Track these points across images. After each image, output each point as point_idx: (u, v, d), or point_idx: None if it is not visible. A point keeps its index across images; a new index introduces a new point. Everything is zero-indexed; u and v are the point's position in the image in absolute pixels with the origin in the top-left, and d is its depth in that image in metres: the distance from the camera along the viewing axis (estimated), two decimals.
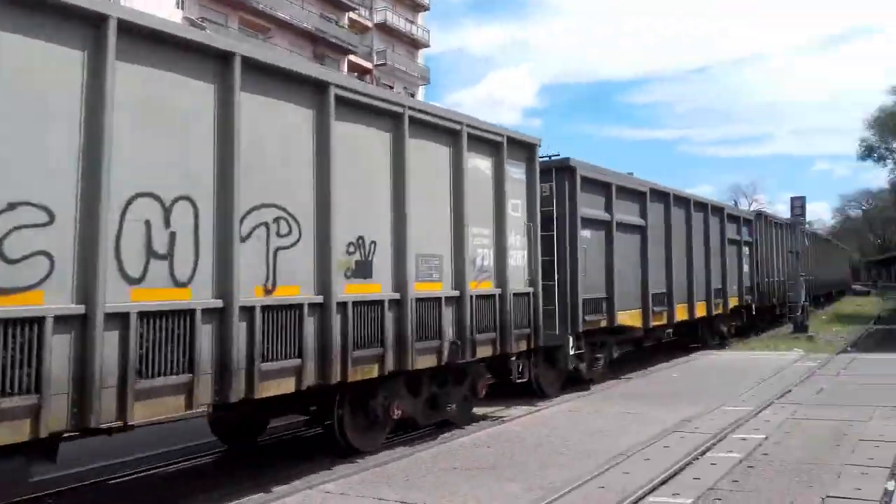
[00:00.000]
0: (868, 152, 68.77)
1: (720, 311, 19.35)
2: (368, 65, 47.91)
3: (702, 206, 18.68)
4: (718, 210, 19.92)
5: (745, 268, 21.85)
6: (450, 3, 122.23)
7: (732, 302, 20.29)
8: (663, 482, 6.64)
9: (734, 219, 21.46)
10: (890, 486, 6.23)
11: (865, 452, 7.45)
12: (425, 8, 54.44)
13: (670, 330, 16.28)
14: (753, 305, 22.12)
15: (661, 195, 16.02)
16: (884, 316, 35.38)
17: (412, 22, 52.75)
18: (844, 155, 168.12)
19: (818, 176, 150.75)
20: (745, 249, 22.03)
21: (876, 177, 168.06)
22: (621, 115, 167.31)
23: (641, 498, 6.19)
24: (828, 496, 6.07)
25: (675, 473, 6.93)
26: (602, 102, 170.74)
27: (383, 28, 49.78)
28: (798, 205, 26.29)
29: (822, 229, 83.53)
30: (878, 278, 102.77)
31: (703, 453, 7.69)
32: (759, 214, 24.84)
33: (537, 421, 9.95)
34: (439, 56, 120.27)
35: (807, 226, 32.54)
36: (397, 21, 50.74)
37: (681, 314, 16.32)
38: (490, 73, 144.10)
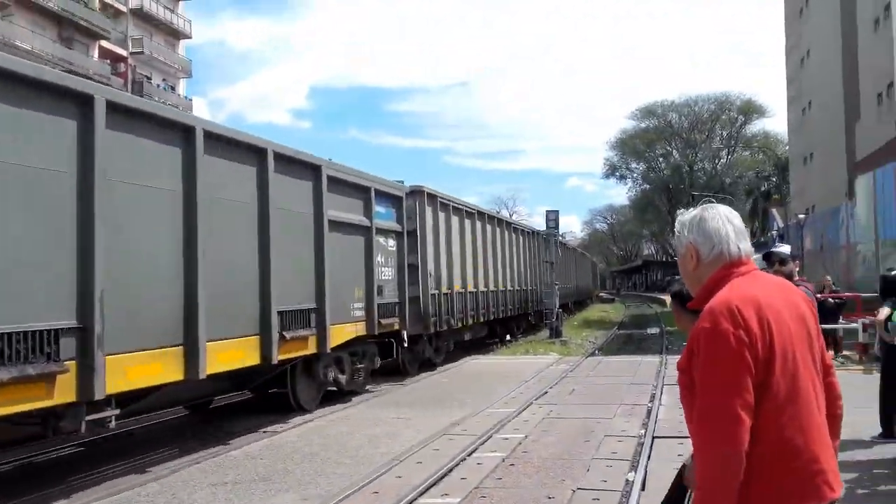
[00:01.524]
0: (611, 171, 76.67)
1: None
2: (123, 52, 44.45)
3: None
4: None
5: (387, 272, 13.74)
6: None
7: (335, 334, 11.43)
8: (434, 484, 6.89)
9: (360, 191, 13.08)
10: (630, 476, 6.94)
11: (610, 447, 8.24)
12: None
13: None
14: (404, 333, 14.16)
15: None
16: (626, 321, 39.46)
17: (172, 10, 49.60)
18: (591, 172, 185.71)
19: (571, 191, 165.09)
20: (390, 242, 13.97)
21: (619, 193, 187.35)
22: (389, 122, 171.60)
23: (413, 500, 6.38)
24: (578, 488, 6.64)
25: (445, 475, 7.22)
26: (370, 109, 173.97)
27: (140, 14, 46.26)
28: (552, 218, 28.40)
29: (574, 241, 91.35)
30: (622, 286, 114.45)
31: (470, 454, 8.07)
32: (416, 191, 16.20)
33: (313, 430, 9.89)
34: (199, 48, 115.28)
35: (560, 237, 35.34)
36: (155, 8, 47.40)
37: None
38: (257, 71, 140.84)
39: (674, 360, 13.65)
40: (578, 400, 11.66)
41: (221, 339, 8.64)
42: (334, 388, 12.14)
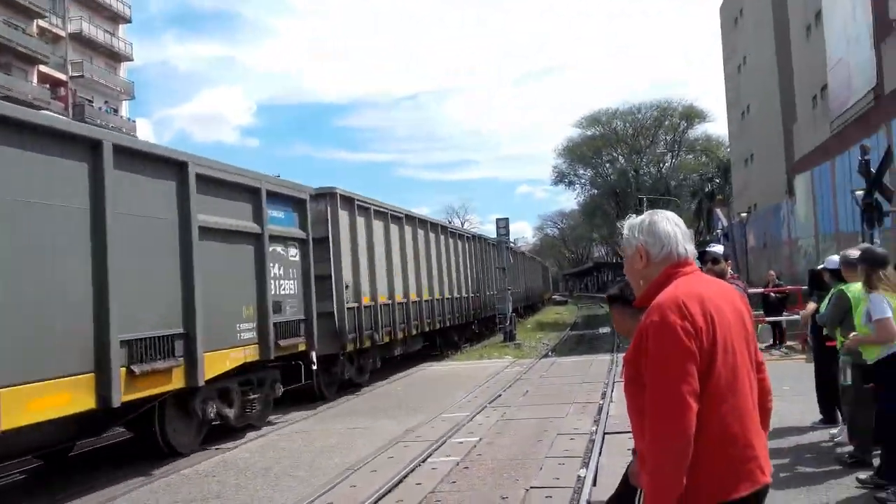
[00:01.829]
0: (560, 178, 77.66)
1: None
2: (63, 77, 43.61)
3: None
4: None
5: (289, 285, 11.68)
6: (151, 14, 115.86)
7: (214, 363, 9.45)
8: (389, 491, 6.89)
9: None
10: (582, 473, 7.04)
11: (563, 445, 8.34)
12: (126, 20, 50.62)
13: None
14: (313, 354, 12.12)
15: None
16: (578, 322, 39.93)
17: (112, 34, 48.67)
18: (541, 180, 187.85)
19: (521, 198, 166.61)
20: (291, 251, 11.96)
21: (568, 199, 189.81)
22: (339, 138, 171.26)
23: None
24: (531, 487, 6.71)
25: (400, 481, 7.22)
26: (319, 125, 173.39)
27: (79, 38, 45.25)
28: (502, 225, 28.60)
29: (526, 246, 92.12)
30: (574, 289, 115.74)
31: (425, 460, 8.08)
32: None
33: (266, 445, 9.77)
34: (142, 69, 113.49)
35: (512, 243, 35.62)
36: (95, 32, 46.46)
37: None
38: (203, 91, 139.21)
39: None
40: (532, 401, 11.77)
41: (31, 383, 6.61)
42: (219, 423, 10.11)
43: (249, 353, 10.28)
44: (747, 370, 2.37)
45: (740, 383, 2.32)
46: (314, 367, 12.20)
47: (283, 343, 11.10)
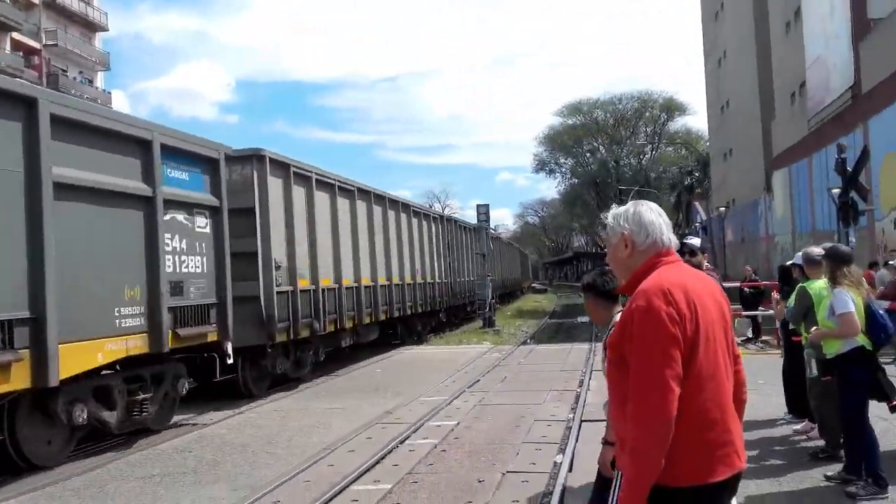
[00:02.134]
0: (541, 166, 77.81)
1: None
2: (37, 45, 42.91)
3: None
4: None
5: (194, 262, 9.78)
6: None
7: (77, 357, 7.58)
8: (366, 471, 6.94)
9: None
10: (559, 458, 7.13)
11: (540, 431, 8.44)
12: None
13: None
14: (228, 345, 10.23)
15: None
16: (558, 310, 40.15)
17: (87, 3, 48.00)
18: (523, 167, 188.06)
19: (502, 185, 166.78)
20: (198, 221, 10.02)
21: (549, 187, 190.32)
22: (318, 117, 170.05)
23: (345, 488, 6.41)
24: (508, 471, 6.80)
25: (377, 462, 7.28)
26: (298, 103, 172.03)
27: (53, 6, 44.68)
28: (483, 211, 28.64)
29: (506, 233, 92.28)
30: (554, 277, 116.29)
31: (403, 441, 8.14)
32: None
33: (244, 422, 9.80)
34: (116, 40, 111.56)
35: (493, 230, 35.71)
36: (69, 0, 45.85)
37: None
38: (179, 65, 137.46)
39: (602, 344, 13.90)
40: (510, 387, 11.87)
41: None
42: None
43: (135, 345, 8.42)
44: (725, 360, 2.45)
45: (720, 372, 2.40)
46: (229, 361, 10.36)
47: (184, 332, 9.25)
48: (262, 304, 11.67)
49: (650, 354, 2.29)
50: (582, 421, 8.61)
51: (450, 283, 25.26)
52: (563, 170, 77.18)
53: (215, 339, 10.03)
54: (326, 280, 14.10)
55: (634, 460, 2.29)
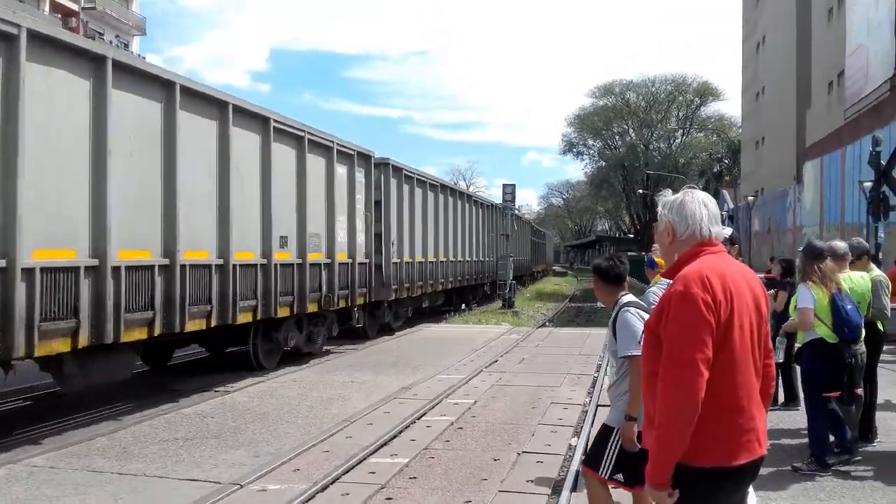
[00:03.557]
0: (569, 147, 77.09)
1: None
2: (75, 6, 43.15)
3: None
4: None
5: None
6: None
7: None
8: (384, 444, 7.06)
9: None
10: (574, 441, 7.21)
11: (556, 414, 8.51)
12: None
13: None
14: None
15: None
16: (578, 294, 40.11)
17: None
18: (550, 147, 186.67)
19: (529, 164, 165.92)
20: None
21: (575, 169, 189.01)
22: (348, 89, 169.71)
23: (363, 460, 6.54)
24: (523, 451, 6.89)
25: (395, 436, 7.40)
26: (328, 74, 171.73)
27: None
28: (508, 192, 28.49)
29: (530, 214, 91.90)
30: (575, 261, 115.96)
31: (420, 417, 8.26)
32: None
33: (264, 391, 9.97)
34: (152, 3, 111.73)
35: (516, 211, 35.59)
36: None
37: None
38: (212, 30, 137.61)
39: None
40: (527, 369, 11.94)
41: None
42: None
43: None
44: (755, 351, 2.54)
45: (748, 362, 2.50)
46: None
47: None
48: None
49: (683, 337, 2.40)
50: (598, 405, 8.65)
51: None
52: (591, 152, 76.44)
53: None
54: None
55: (660, 440, 2.41)
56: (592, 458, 4.13)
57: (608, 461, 3.99)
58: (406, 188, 17.89)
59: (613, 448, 3.98)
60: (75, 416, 8.36)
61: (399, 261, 17.22)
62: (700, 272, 2.48)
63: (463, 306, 24.42)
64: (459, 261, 23.24)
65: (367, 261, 15.00)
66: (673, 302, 2.46)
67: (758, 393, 2.54)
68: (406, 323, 18.81)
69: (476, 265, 25.73)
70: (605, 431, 4.09)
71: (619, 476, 3.98)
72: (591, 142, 75.36)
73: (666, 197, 2.75)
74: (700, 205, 2.65)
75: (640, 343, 3.78)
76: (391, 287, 16.55)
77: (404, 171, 17.78)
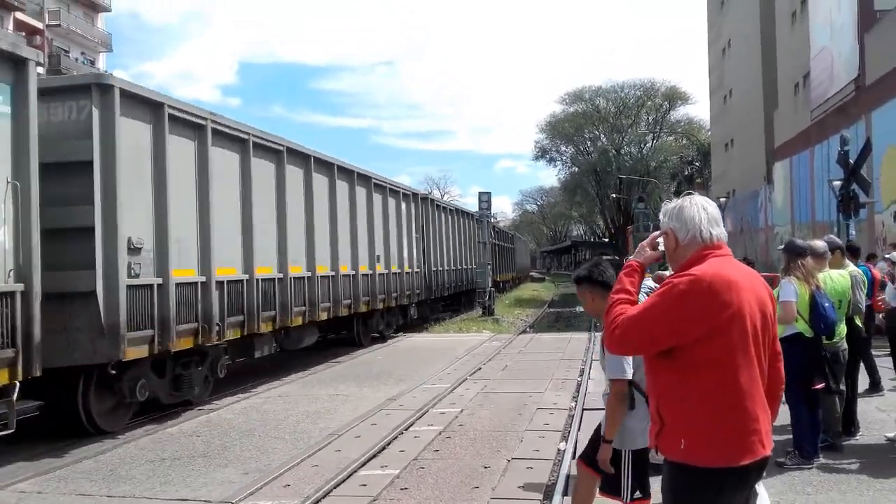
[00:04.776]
0: (541, 153, 77.50)
1: None
2: (39, 24, 42.79)
3: None
4: None
5: None
6: None
7: None
8: (373, 456, 7.06)
9: None
10: (562, 446, 7.26)
11: (542, 419, 8.56)
12: None
13: None
14: None
15: None
16: (556, 300, 40.29)
17: None
18: (523, 154, 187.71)
19: (502, 172, 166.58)
20: None
21: (549, 175, 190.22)
22: (316, 101, 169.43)
23: (353, 472, 6.53)
24: (513, 458, 6.92)
25: (384, 448, 7.40)
26: (295, 87, 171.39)
27: None
28: (485, 199, 28.55)
29: (505, 221, 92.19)
30: (552, 266, 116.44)
31: (408, 428, 8.26)
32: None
33: (249, 407, 9.91)
34: (115, 19, 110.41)
35: (492, 218, 35.71)
36: None
37: None
38: (179, 45, 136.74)
39: (601, 336, 14.02)
40: (511, 375, 11.98)
41: None
42: None
43: None
44: (760, 354, 2.59)
45: (756, 363, 2.56)
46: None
47: None
48: None
49: (657, 310, 2.51)
50: (584, 409, 8.73)
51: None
52: (564, 158, 76.96)
53: None
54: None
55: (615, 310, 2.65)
56: (609, 485, 4.03)
57: (626, 484, 3.92)
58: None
59: (628, 470, 3.92)
60: (58, 441, 8.23)
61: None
62: (705, 273, 2.53)
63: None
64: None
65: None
66: (666, 286, 2.55)
67: (763, 395, 2.59)
68: (395, 331, 19.01)
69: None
70: (616, 457, 3.98)
71: (639, 494, 3.93)
72: (563, 148, 75.86)
73: (667, 205, 2.81)
74: (699, 209, 2.71)
75: (628, 365, 3.83)
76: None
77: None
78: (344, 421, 8.72)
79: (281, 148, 12.47)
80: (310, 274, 13.24)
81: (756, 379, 2.56)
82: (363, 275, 15.98)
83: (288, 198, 12.53)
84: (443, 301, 25.30)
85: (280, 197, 12.40)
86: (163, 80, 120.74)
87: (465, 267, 27.30)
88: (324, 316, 13.82)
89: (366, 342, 16.89)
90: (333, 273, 14.29)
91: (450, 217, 25.42)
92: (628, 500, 3.95)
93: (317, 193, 13.74)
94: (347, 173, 15.59)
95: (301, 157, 13.37)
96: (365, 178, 16.66)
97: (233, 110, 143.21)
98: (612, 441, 3.87)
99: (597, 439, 4.12)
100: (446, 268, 24.05)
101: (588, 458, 4.16)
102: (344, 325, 16.14)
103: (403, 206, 19.51)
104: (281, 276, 12.12)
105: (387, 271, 17.61)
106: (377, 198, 17.37)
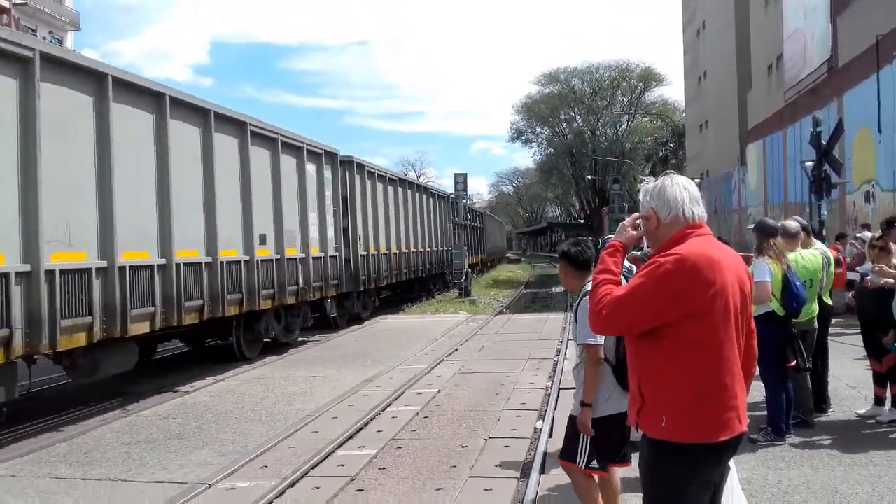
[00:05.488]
0: (517, 135, 77.48)
1: None
2: (6, 3, 41.79)
3: None
4: None
5: None
6: None
7: None
8: (350, 437, 7.06)
9: None
10: (539, 425, 7.30)
11: (519, 398, 8.61)
12: None
13: None
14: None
15: None
16: (532, 280, 40.47)
17: None
18: (499, 136, 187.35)
19: (478, 154, 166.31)
20: None
21: (524, 157, 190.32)
22: (287, 81, 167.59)
23: (331, 453, 6.52)
24: (490, 437, 6.95)
25: (361, 428, 7.40)
26: (267, 66, 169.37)
27: None
28: (461, 181, 28.58)
29: (481, 202, 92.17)
30: (528, 247, 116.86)
31: (385, 408, 8.26)
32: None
33: (225, 389, 9.86)
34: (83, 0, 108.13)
35: (468, 200, 35.70)
36: None
37: None
38: (150, 24, 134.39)
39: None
40: (488, 356, 12.03)
41: None
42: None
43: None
44: (738, 331, 2.63)
45: (734, 341, 2.59)
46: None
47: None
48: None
49: (643, 291, 2.52)
50: (560, 389, 8.78)
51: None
52: (540, 139, 76.97)
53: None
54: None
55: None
56: (567, 451, 4.13)
57: (583, 451, 4.00)
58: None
59: (585, 437, 4.00)
60: (32, 423, 8.14)
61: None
62: (689, 253, 2.54)
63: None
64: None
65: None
66: (651, 265, 2.56)
67: (741, 372, 2.63)
68: (372, 313, 19.14)
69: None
70: (573, 422, 4.10)
71: (595, 463, 4.01)
72: (538, 129, 75.83)
73: (647, 184, 2.80)
74: (680, 188, 2.71)
75: None
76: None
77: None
78: (321, 402, 8.70)
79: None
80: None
81: (735, 356, 2.60)
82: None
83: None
84: (392, 289, 22.72)
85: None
86: (133, 58, 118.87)
87: (429, 249, 25.45)
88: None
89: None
90: (210, 259, 10.75)
91: (400, 191, 22.09)
92: (583, 467, 4.04)
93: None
94: (197, 112, 10.75)
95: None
96: (237, 125, 11.84)
97: (205, 89, 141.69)
98: (591, 405, 3.91)
99: (571, 435, 4.12)
100: (394, 251, 20.91)
101: (566, 453, 4.15)
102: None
103: (310, 168, 14.62)
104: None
105: (277, 256, 12.86)
106: (259, 153, 12.50)
